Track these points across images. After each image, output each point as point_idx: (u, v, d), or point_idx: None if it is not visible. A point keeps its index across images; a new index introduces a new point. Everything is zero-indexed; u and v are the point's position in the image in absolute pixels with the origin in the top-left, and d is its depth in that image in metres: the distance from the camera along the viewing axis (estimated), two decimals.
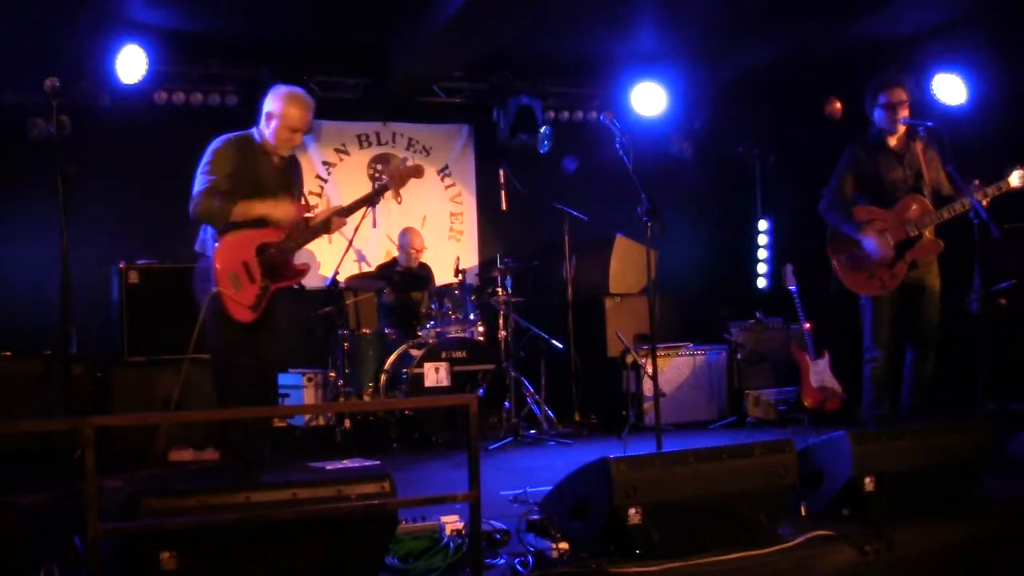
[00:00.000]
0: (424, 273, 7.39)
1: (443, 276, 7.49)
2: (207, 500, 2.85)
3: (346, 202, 4.86)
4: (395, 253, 7.69)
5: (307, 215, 4.67)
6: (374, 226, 7.35)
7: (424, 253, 7.56)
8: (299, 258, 4.72)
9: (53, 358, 6.22)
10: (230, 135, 4.49)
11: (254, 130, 4.54)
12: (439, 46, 6.89)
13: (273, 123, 4.47)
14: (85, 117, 6.11)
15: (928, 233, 5.17)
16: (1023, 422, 5.46)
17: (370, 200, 4.87)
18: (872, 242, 5.19)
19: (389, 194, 5.17)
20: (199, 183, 4.31)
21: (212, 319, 4.27)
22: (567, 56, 7.98)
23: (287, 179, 4.63)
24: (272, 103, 4.49)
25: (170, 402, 6.38)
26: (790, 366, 7.07)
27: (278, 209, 4.42)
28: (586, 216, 7.37)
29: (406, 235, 7.47)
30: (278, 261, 4.46)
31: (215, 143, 4.42)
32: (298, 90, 4.57)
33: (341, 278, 6.76)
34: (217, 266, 4.25)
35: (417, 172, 5.08)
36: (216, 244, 4.28)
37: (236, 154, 4.38)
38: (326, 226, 4.66)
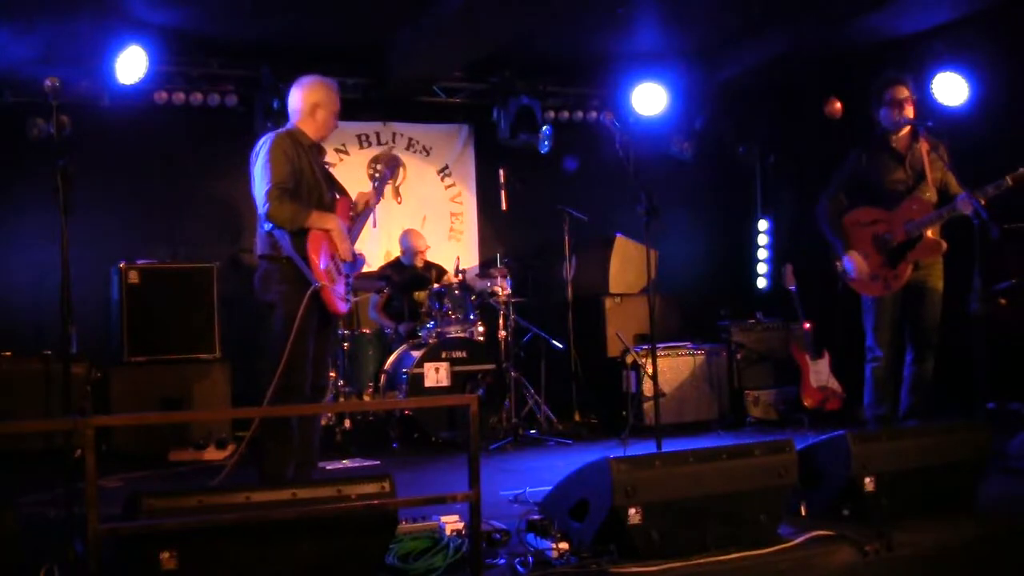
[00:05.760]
0: (427, 273, 7.38)
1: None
2: (207, 500, 2.85)
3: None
4: (396, 253, 7.68)
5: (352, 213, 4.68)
6: (374, 226, 7.32)
7: (429, 251, 7.55)
8: None
9: (53, 358, 6.21)
10: (274, 133, 4.39)
11: (291, 127, 4.48)
12: (439, 46, 6.89)
13: (320, 113, 4.47)
14: (85, 117, 6.12)
15: (930, 233, 5.17)
16: (1023, 422, 5.46)
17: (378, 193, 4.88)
18: (852, 264, 5.25)
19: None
20: (264, 184, 4.21)
21: (308, 316, 4.20)
22: (567, 56, 7.98)
23: (327, 170, 4.64)
24: (315, 93, 4.48)
25: (177, 401, 6.41)
26: (790, 366, 7.07)
27: (338, 224, 4.41)
28: (586, 216, 7.36)
29: (407, 237, 7.45)
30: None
31: (268, 143, 4.30)
32: (324, 78, 4.59)
33: None
34: (317, 261, 4.24)
35: (396, 160, 5.19)
36: (306, 242, 4.23)
37: (291, 150, 4.32)
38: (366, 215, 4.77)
